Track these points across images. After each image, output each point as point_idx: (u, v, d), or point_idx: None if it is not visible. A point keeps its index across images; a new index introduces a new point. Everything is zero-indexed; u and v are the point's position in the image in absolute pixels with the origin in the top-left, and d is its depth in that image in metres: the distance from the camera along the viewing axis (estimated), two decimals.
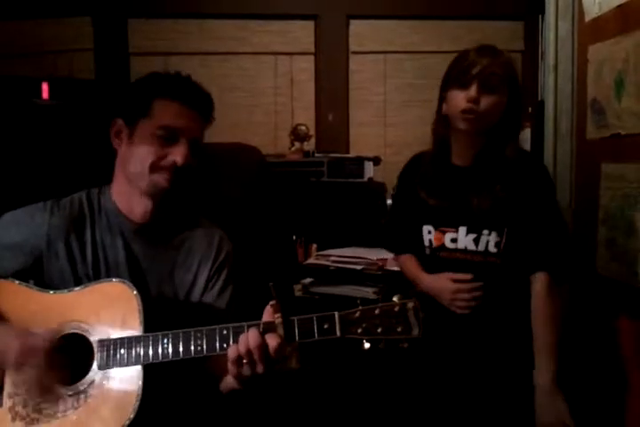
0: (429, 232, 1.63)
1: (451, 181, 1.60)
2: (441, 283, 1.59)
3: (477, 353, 1.57)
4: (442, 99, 1.58)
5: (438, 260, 1.62)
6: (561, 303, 1.53)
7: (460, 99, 1.49)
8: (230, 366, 1.09)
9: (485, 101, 1.47)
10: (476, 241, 1.56)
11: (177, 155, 1.22)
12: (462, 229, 1.57)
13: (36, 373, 1.12)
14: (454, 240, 1.58)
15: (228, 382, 1.17)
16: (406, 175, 1.75)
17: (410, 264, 1.75)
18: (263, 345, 1.05)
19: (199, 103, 1.28)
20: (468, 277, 1.56)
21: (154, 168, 1.23)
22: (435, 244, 1.62)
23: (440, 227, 1.61)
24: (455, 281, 1.56)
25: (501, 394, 1.54)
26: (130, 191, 1.29)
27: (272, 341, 1.06)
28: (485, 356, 1.56)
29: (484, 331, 1.56)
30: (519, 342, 1.54)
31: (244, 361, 1.06)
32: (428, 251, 1.65)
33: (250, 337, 1.06)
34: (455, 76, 1.51)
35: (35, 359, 1.11)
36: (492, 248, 1.54)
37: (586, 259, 1.93)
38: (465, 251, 1.57)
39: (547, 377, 1.47)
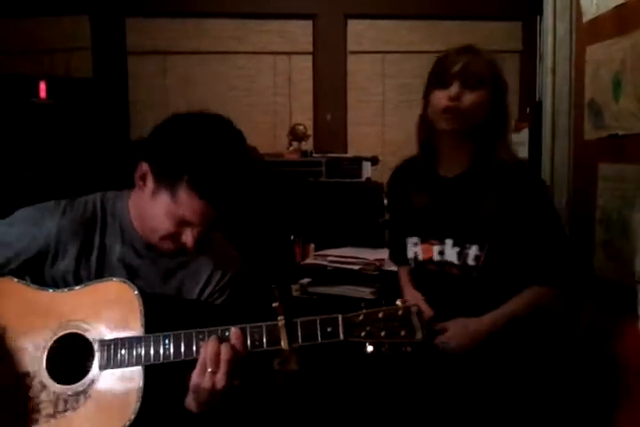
0: (415, 244, 1.61)
1: (438, 192, 1.57)
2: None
3: (468, 363, 1.54)
4: (426, 103, 1.54)
5: (425, 272, 1.60)
6: (540, 306, 1.55)
7: (441, 98, 1.45)
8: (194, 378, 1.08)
9: (467, 99, 1.44)
10: (460, 254, 1.53)
11: (188, 240, 1.19)
12: (449, 242, 1.55)
13: None
14: (442, 253, 1.56)
15: (188, 400, 1.17)
16: (395, 185, 1.73)
17: (402, 276, 1.75)
18: (219, 353, 1.06)
19: (226, 204, 1.18)
20: (429, 314, 1.51)
21: (164, 238, 1.21)
22: (423, 256, 1.60)
23: (428, 239, 1.59)
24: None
25: (498, 399, 1.53)
26: (144, 225, 1.25)
27: (226, 349, 1.06)
28: (477, 364, 1.54)
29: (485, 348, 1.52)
30: (506, 353, 1.53)
31: (208, 370, 1.06)
32: (412, 263, 1.63)
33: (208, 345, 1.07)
34: (436, 77, 1.50)
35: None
36: (470, 261, 1.52)
37: (583, 260, 1.93)
38: (451, 264, 1.55)
39: (483, 324, 1.49)
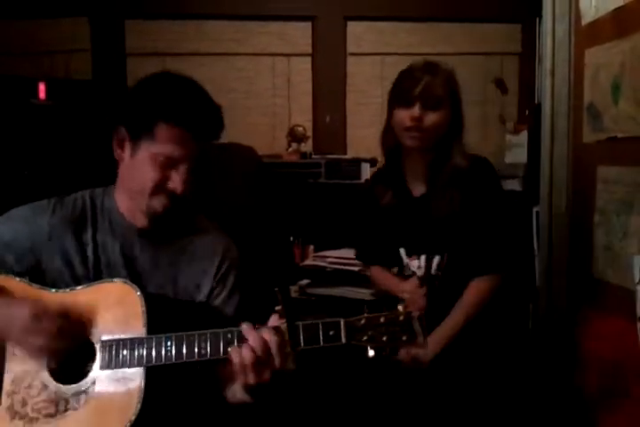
0: (406, 255, 1.71)
1: (409, 210, 1.68)
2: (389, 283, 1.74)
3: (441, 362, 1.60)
4: (390, 114, 1.65)
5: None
6: (485, 300, 1.63)
7: (404, 117, 1.57)
8: (238, 371, 1.07)
9: (429, 119, 1.56)
10: (430, 266, 1.65)
11: (176, 182, 1.20)
12: (423, 257, 1.66)
13: (46, 340, 1.10)
14: (420, 268, 1.67)
15: (237, 391, 1.17)
16: (371, 192, 1.79)
17: (385, 275, 1.81)
18: (269, 342, 1.05)
19: (203, 129, 1.23)
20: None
21: (153, 192, 1.21)
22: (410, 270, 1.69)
23: (410, 255, 1.69)
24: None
25: (473, 397, 1.60)
26: (131, 201, 1.27)
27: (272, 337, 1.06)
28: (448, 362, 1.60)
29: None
30: (476, 347, 1.62)
31: (252, 362, 1.05)
32: (409, 272, 1.69)
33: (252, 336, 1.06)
34: (399, 95, 1.60)
35: (48, 323, 1.10)
36: (433, 270, 1.65)
37: (581, 262, 1.93)
38: (424, 277, 1.65)
39: (437, 338, 1.57)
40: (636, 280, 1.61)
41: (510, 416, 1.59)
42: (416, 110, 1.54)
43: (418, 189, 1.69)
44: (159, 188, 1.21)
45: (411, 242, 1.69)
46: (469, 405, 1.60)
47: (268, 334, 1.06)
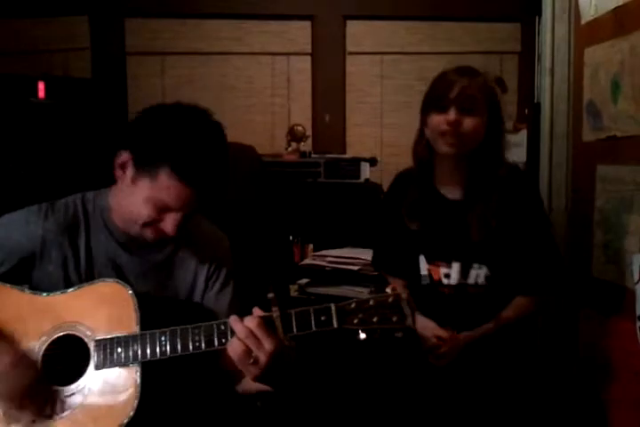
0: (428, 262, 1.63)
1: (441, 212, 1.60)
2: (426, 332, 1.58)
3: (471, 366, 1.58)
4: (423, 122, 1.58)
5: (437, 294, 1.62)
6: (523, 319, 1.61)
7: (439, 122, 1.49)
8: (237, 363, 1.08)
9: (465, 124, 1.48)
10: (466, 274, 1.58)
11: (168, 226, 1.19)
12: (455, 265, 1.58)
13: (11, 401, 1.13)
14: (447, 276, 1.59)
15: (245, 384, 1.18)
16: (393, 198, 1.72)
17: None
18: (253, 329, 1.06)
19: (206, 184, 1.19)
20: (449, 337, 1.55)
21: (144, 225, 1.21)
22: (435, 277, 1.62)
23: (434, 260, 1.61)
24: (438, 337, 1.55)
25: (497, 397, 1.57)
26: (124, 217, 1.26)
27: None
28: (468, 367, 1.58)
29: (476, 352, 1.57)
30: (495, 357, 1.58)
31: (244, 351, 1.05)
32: (427, 281, 1.63)
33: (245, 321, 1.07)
34: (434, 100, 1.52)
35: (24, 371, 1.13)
36: (481, 281, 1.57)
37: (581, 261, 1.93)
38: (457, 286, 1.59)
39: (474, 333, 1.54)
40: (636, 279, 1.61)
41: (510, 414, 1.58)
42: (452, 114, 1.47)
43: (452, 194, 1.61)
44: (151, 224, 1.21)
45: (439, 249, 1.60)
46: (473, 403, 1.58)
47: (251, 322, 1.06)
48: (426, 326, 1.58)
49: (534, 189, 1.63)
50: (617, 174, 1.75)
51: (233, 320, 1.08)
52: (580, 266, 1.95)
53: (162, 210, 1.18)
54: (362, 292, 2.19)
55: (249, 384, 1.19)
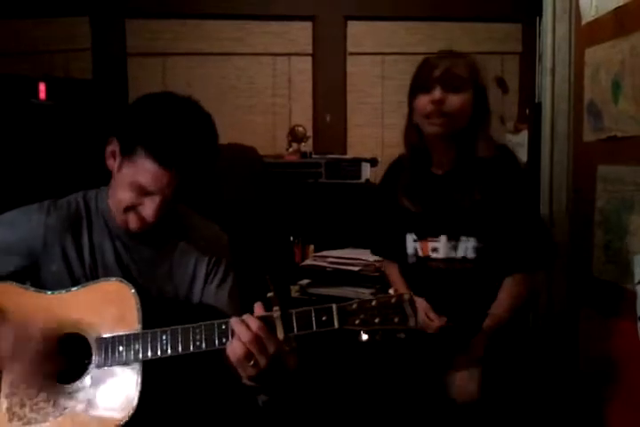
0: (415, 240, 1.64)
1: (430, 188, 1.61)
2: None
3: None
4: (411, 109, 1.60)
5: (425, 269, 1.63)
6: (526, 296, 1.60)
7: (425, 102, 1.51)
8: (235, 364, 1.08)
9: (450, 102, 1.49)
10: (455, 248, 1.58)
11: (147, 209, 1.20)
12: (443, 238, 1.59)
13: (29, 365, 1.13)
14: (435, 249, 1.60)
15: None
16: (387, 181, 1.75)
17: (393, 273, 1.77)
18: (257, 332, 1.05)
19: (182, 164, 1.18)
20: (439, 322, 1.55)
21: (125, 211, 1.22)
22: (422, 253, 1.63)
23: (425, 236, 1.62)
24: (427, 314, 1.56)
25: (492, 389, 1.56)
26: (114, 200, 1.27)
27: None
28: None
29: (463, 337, 1.56)
30: (501, 343, 1.56)
31: (244, 353, 1.05)
32: (413, 259, 1.66)
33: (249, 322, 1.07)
34: (419, 82, 1.55)
35: (29, 350, 1.13)
36: (470, 254, 1.57)
37: (581, 261, 1.93)
38: (445, 260, 1.59)
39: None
40: (636, 280, 1.61)
41: (510, 413, 1.58)
42: (437, 93, 1.48)
43: (441, 171, 1.63)
44: (131, 209, 1.22)
45: (428, 224, 1.61)
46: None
47: (254, 325, 1.06)
48: (419, 305, 1.55)
49: (520, 167, 1.63)
50: (618, 175, 1.74)
51: (235, 322, 1.08)
52: (580, 266, 1.95)
53: (141, 194, 1.19)
54: (363, 292, 2.19)
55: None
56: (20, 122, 2.41)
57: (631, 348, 1.66)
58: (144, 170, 1.16)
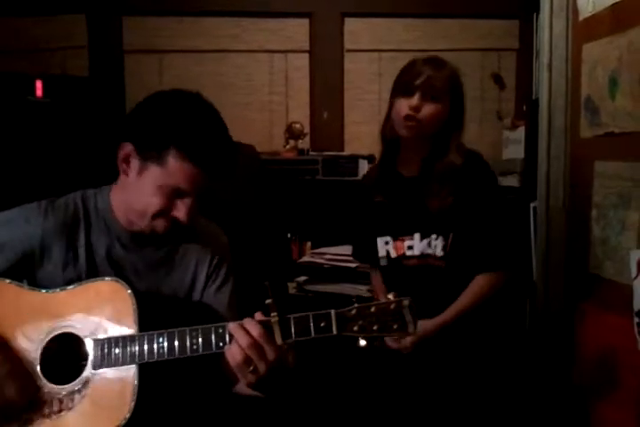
0: (386, 243, 1.71)
1: (398, 189, 1.70)
2: None
3: (436, 355, 1.63)
4: (391, 105, 1.67)
5: (399, 269, 1.69)
6: (486, 297, 1.65)
7: (403, 106, 1.59)
8: (235, 370, 1.07)
9: (426, 110, 1.58)
10: (429, 244, 1.65)
11: (181, 212, 1.19)
12: (417, 236, 1.66)
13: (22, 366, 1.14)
14: (411, 247, 1.67)
15: (242, 386, 1.16)
16: (362, 187, 1.83)
17: (374, 278, 1.85)
18: (256, 338, 1.05)
19: (217, 167, 1.19)
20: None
21: (155, 216, 1.20)
22: (396, 253, 1.69)
23: (397, 236, 1.69)
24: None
25: (470, 392, 1.61)
26: (130, 212, 1.25)
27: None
28: (445, 356, 1.63)
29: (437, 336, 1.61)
30: (473, 341, 1.64)
31: (243, 359, 1.05)
32: (384, 262, 1.72)
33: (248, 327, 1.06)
34: (401, 85, 1.63)
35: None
36: (438, 252, 1.64)
37: (578, 257, 1.94)
38: (420, 256, 1.66)
39: (431, 324, 1.59)
40: (633, 275, 1.61)
41: (505, 411, 1.59)
42: (415, 100, 1.57)
43: (408, 172, 1.71)
44: (163, 213, 1.20)
45: (401, 224, 1.68)
46: (460, 399, 1.60)
47: (254, 331, 1.05)
48: None
49: (490, 171, 1.70)
50: (615, 170, 1.75)
51: (234, 327, 1.07)
52: (577, 262, 1.95)
53: (173, 196, 1.18)
54: (360, 289, 2.19)
55: (244, 388, 1.19)
56: (16, 119, 2.40)
57: (627, 343, 1.66)
58: (179, 172, 1.15)
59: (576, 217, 1.98)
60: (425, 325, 1.57)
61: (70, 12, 3.15)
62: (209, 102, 1.24)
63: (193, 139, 1.16)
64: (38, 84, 2.47)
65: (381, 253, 1.72)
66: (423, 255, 1.66)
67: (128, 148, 1.20)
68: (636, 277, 1.60)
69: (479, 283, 1.64)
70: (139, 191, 1.20)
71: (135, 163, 1.20)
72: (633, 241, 1.65)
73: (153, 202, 1.18)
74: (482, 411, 1.60)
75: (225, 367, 1.15)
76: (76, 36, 3.17)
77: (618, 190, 1.72)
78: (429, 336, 1.59)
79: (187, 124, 1.17)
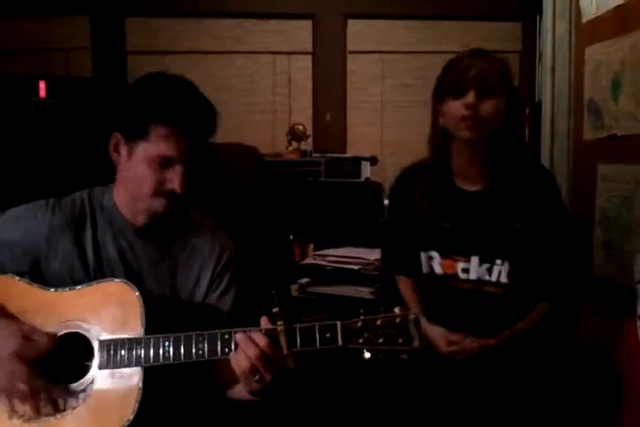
0: (430, 258, 1.59)
1: (459, 205, 1.54)
2: (435, 340, 1.53)
3: (468, 372, 1.53)
4: (436, 111, 1.52)
5: (448, 289, 1.57)
6: (541, 321, 1.56)
7: (457, 108, 1.43)
8: (240, 377, 1.08)
9: (485, 107, 1.42)
10: (489, 271, 1.52)
11: (174, 182, 1.21)
12: (474, 259, 1.53)
13: (29, 364, 1.12)
14: (466, 270, 1.54)
15: (242, 392, 1.16)
16: (402, 191, 1.66)
17: (405, 289, 1.71)
18: (264, 349, 1.06)
19: (196, 129, 1.23)
20: (464, 343, 1.50)
21: (153, 194, 1.22)
22: (442, 271, 1.57)
23: (450, 254, 1.56)
24: (450, 342, 1.51)
25: (498, 406, 1.51)
26: (132, 201, 1.27)
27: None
28: (477, 374, 1.53)
29: (489, 359, 1.52)
30: (525, 370, 1.53)
31: (250, 369, 1.06)
32: (425, 278, 1.61)
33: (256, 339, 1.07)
34: (449, 85, 1.46)
35: (28, 349, 1.12)
36: (503, 278, 1.51)
37: (582, 260, 1.93)
38: (477, 281, 1.54)
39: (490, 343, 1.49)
40: (637, 278, 1.61)
41: (513, 414, 1.57)
42: (471, 97, 1.40)
43: (471, 186, 1.54)
44: (158, 189, 1.21)
45: (456, 242, 1.54)
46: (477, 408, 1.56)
47: (262, 342, 1.06)
48: (435, 332, 1.53)
49: (557, 189, 1.58)
50: (618, 173, 1.74)
51: (241, 338, 1.08)
52: (580, 265, 1.95)
53: (162, 166, 1.20)
54: (363, 291, 2.19)
55: (239, 392, 1.20)
56: (20, 120, 2.40)
57: (632, 347, 1.66)
58: (160, 139, 1.18)
59: (579, 220, 1.98)
60: (485, 341, 1.49)
61: (74, 13, 3.15)
62: (186, 79, 1.30)
63: (168, 105, 1.19)
64: (42, 85, 2.47)
65: (425, 269, 1.59)
66: (480, 281, 1.53)
67: (116, 136, 1.24)
68: (639, 281, 1.60)
69: (542, 310, 1.53)
70: (132, 173, 1.23)
71: (124, 149, 1.23)
72: (637, 244, 1.65)
73: (145, 177, 1.20)
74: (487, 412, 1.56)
75: (220, 373, 1.16)
76: (79, 37, 3.17)
77: (621, 193, 1.72)
78: (485, 351, 1.49)
79: (161, 95, 1.21)
